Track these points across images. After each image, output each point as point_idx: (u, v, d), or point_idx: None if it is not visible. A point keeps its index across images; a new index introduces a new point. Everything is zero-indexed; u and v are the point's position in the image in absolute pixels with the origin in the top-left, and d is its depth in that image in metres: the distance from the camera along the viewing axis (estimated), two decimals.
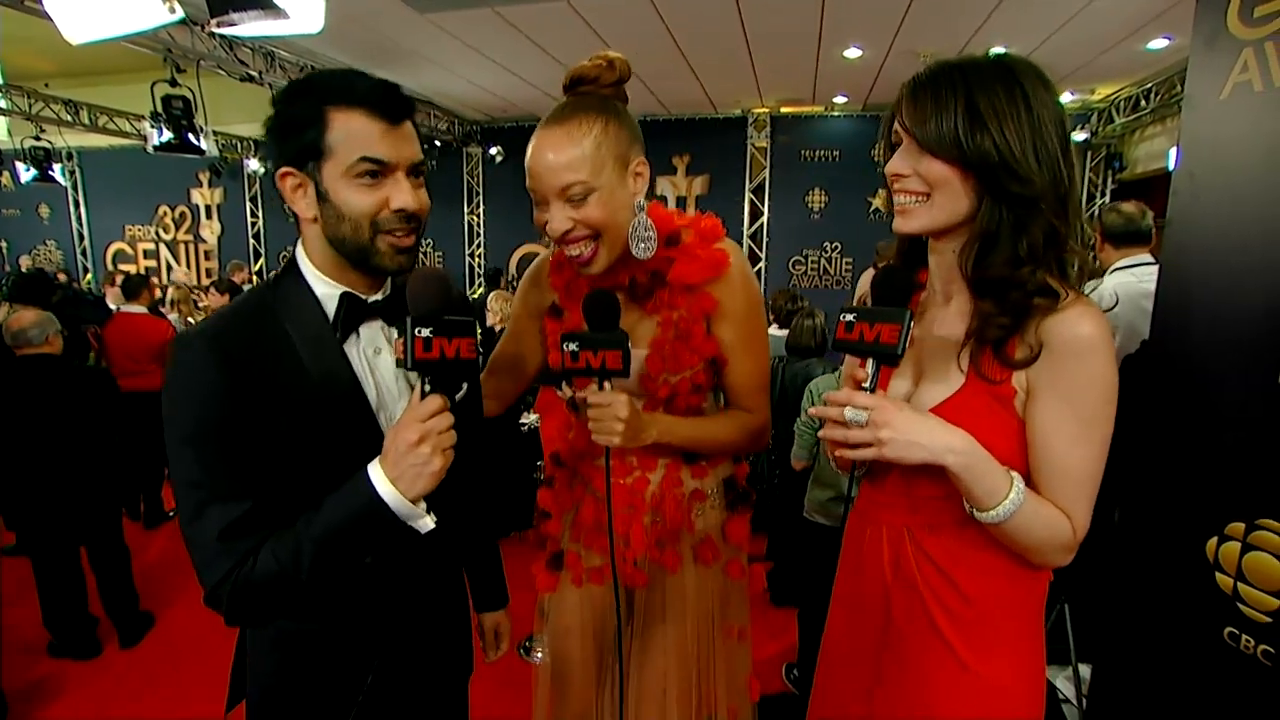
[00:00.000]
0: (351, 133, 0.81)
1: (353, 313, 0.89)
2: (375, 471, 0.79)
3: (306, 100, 0.82)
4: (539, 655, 1.33)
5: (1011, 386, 0.84)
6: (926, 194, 0.85)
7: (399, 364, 0.81)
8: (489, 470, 1.28)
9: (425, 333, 0.77)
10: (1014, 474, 0.82)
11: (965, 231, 0.86)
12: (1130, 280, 2.43)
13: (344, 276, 0.89)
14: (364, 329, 0.91)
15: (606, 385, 1.00)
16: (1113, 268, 2.52)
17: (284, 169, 0.84)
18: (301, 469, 0.83)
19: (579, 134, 1.00)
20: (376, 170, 0.82)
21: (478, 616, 1.27)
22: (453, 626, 1.11)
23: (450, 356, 0.79)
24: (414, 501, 0.79)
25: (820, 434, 0.87)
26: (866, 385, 0.84)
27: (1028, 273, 0.81)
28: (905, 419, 0.80)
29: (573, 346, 0.98)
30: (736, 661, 1.29)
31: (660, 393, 1.14)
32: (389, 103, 0.83)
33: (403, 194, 0.84)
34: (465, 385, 1.05)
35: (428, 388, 0.80)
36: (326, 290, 0.89)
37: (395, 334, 0.92)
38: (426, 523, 0.81)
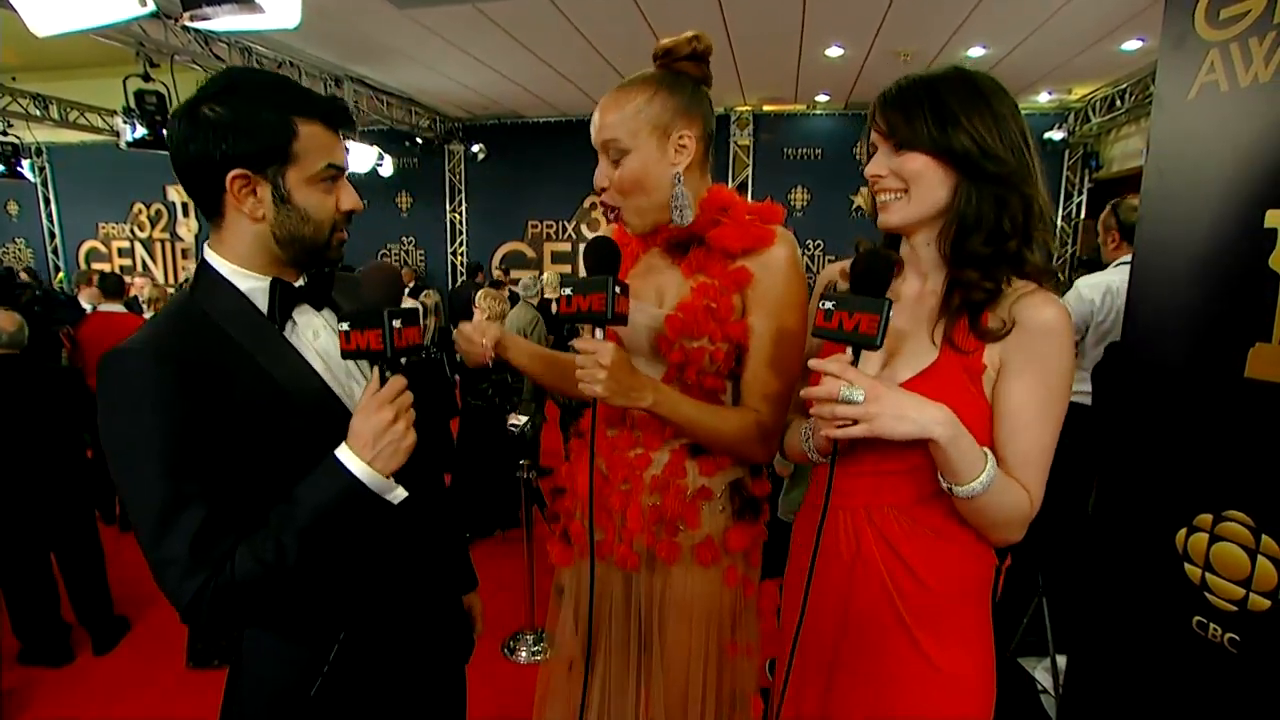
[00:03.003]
0: (317, 142, 0.88)
1: (285, 298, 0.92)
2: (345, 454, 0.82)
3: (271, 108, 0.85)
4: (533, 653, 1.31)
5: (982, 361, 0.89)
6: (904, 189, 0.92)
7: (345, 355, 0.86)
8: (448, 451, 1.30)
9: (397, 324, 0.83)
10: (986, 449, 0.86)
11: (940, 221, 0.93)
12: (1111, 279, 2.40)
13: (272, 271, 0.91)
14: (297, 315, 0.94)
15: (598, 333, 1.01)
16: (1115, 263, 2.48)
17: (237, 171, 0.84)
18: (268, 465, 0.84)
19: (625, 99, 1.08)
20: (335, 176, 0.91)
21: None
22: (447, 606, 1.15)
23: (400, 345, 0.85)
24: (387, 476, 0.85)
25: (812, 412, 0.88)
26: None
27: (1014, 245, 0.89)
28: (894, 395, 0.84)
29: (566, 292, 1.00)
30: (742, 677, 1.24)
31: (673, 356, 1.11)
32: (340, 117, 0.92)
33: (350, 197, 0.93)
34: (428, 353, 1.08)
35: (388, 372, 0.85)
36: (252, 284, 0.90)
37: (327, 318, 0.98)
38: (399, 493, 0.87)
